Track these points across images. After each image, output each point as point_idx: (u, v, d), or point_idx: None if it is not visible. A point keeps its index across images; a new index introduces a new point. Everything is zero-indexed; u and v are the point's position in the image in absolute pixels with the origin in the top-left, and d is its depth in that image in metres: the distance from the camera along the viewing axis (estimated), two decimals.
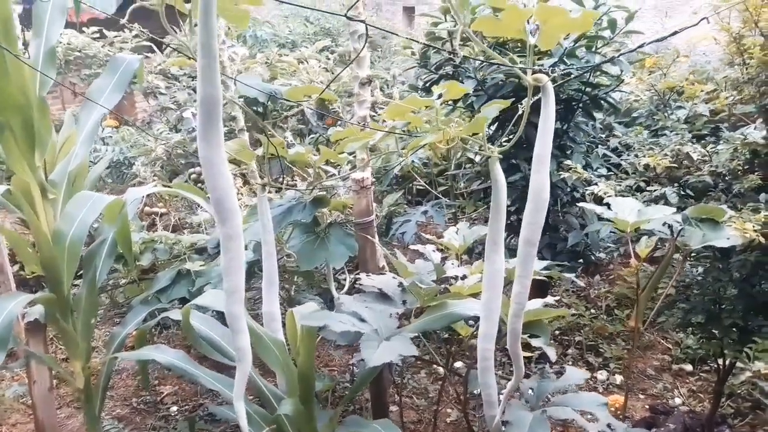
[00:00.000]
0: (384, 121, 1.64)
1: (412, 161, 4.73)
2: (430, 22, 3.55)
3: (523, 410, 1.66)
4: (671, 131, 2.55)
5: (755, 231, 1.92)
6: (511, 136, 3.72)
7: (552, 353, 1.74)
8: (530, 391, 1.77)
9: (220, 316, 2.36)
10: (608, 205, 2.09)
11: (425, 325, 1.86)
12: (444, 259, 2.31)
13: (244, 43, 7.69)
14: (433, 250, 2.28)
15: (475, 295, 1.92)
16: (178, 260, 2.84)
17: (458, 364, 3.91)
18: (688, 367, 3.99)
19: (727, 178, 2.55)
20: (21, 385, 3.53)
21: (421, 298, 1.94)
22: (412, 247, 2.37)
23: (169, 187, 2.79)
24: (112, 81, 2.62)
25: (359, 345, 2.53)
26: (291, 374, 1.91)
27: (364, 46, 2.06)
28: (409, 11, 9.46)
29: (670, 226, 1.93)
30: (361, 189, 2.47)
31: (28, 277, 2.74)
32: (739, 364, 3.34)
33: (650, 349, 4.24)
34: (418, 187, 5.39)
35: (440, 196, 4.51)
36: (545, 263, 2.24)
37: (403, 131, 1.60)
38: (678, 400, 3.65)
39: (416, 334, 1.89)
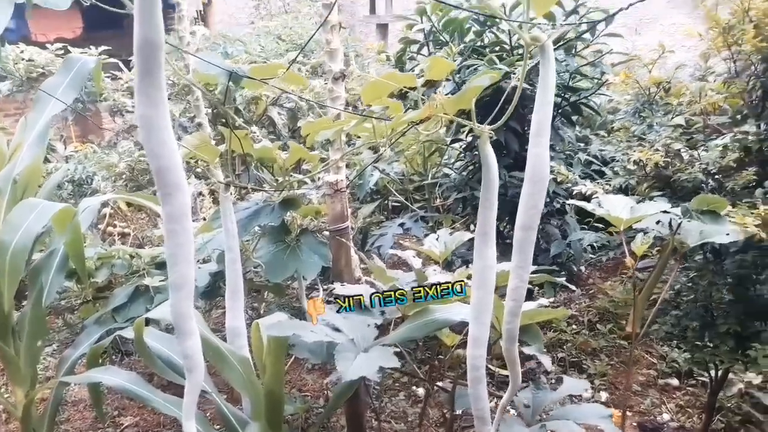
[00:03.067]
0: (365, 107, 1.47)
1: (387, 174, 4.59)
2: (406, 25, 3.44)
3: (519, 426, 1.49)
4: (660, 126, 2.44)
5: (756, 226, 1.80)
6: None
7: (548, 362, 1.58)
8: (525, 405, 1.60)
9: None
10: (598, 203, 1.95)
11: (407, 333, 1.68)
12: (425, 266, 2.14)
13: None
14: (414, 256, 2.11)
15: (462, 301, 1.75)
16: (136, 276, 2.62)
17: (440, 384, 3.73)
18: (675, 382, 3.86)
19: (716, 176, 2.45)
20: None
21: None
22: (390, 251, 2.19)
23: (127, 196, 2.59)
24: (66, 80, 2.43)
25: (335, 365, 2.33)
26: (257, 394, 1.71)
27: (326, 16, 1.90)
28: (382, 28, 9.40)
29: (669, 222, 1.79)
30: (336, 192, 2.30)
31: None
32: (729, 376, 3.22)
33: (635, 363, 4.10)
34: (393, 203, 5.25)
35: (416, 210, 4.36)
36: (532, 267, 2.08)
37: (382, 117, 1.44)
38: (666, 416, 3.50)
39: (397, 346, 1.71)
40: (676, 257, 1.98)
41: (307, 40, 1.69)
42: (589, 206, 1.93)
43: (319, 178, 2.22)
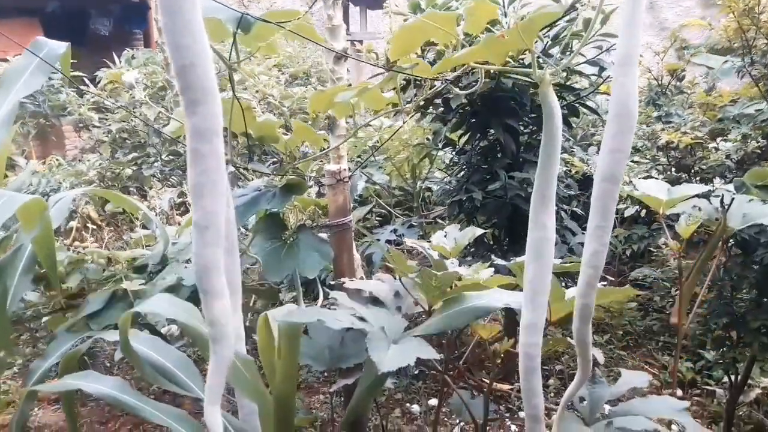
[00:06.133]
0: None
1: (374, 182, 4.41)
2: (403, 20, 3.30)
3: (578, 424, 1.29)
4: (684, 112, 2.33)
5: None
6: (484, 143, 3.47)
7: (599, 355, 1.39)
8: (581, 401, 1.41)
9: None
10: (634, 186, 1.79)
11: (442, 322, 1.47)
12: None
13: None
14: (428, 248, 1.92)
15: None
16: (112, 281, 2.35)
17: (432, 401, 3.53)
18: (678, 392, 3.72)
19: (734, 166, 2.34)
20: None
21: (431, 292, 1.55)
22: (408, 242, 1.99)
23: (103, 191, 2.34)
24: (33, 63, 2.19)
25: (335, 371, 2.09)
26: (265, 401, 1.48)
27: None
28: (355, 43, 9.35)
29: (721, 200, 1.64)
30: (338, 183, 2.10)
31: None
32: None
33: None
34: (377, 217, 5.07)
35: (399, 216, 4.19)
36: (558, 261, 1.90)
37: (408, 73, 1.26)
38: (675, 428, 3.35)
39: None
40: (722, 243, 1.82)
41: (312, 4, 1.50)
42: (625, 189, 1.76)
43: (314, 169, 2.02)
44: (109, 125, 5.92)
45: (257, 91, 3.98)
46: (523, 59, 3.03)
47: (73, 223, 4.49)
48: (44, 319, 2.62)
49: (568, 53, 3.34)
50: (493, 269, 1.67)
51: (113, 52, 7.65)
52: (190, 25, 0.75)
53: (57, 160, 5.56)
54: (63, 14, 10.16)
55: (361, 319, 1.42)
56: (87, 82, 6.18)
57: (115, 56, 7.54)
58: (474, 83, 2.51)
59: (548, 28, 3.16)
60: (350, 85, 1.99)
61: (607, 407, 1.51)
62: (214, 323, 0.91)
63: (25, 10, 9.70)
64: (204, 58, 0.79)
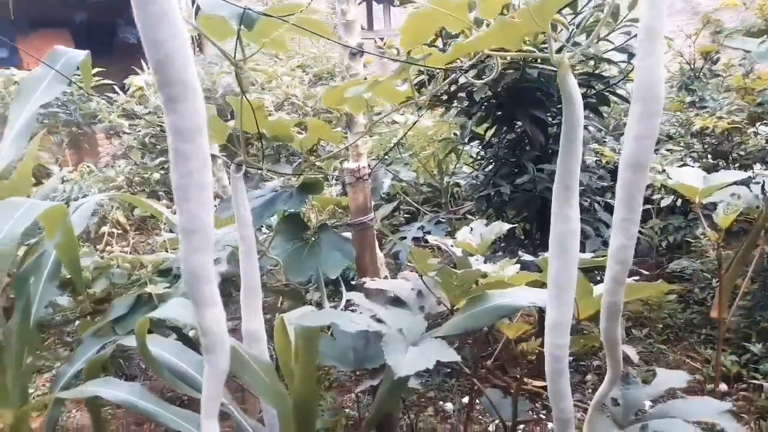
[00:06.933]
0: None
1: (400, 180, 4.36)
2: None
3: (611, 428, 1.22)
4: (719, 96, 2.21)
5: None
6: (511, 135, 3.38)
7: (632, 353, 1.32)
8: (614, 403, 1.34)
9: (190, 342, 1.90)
10: (668, 175, 1.70)
11: (465, 322, 1.41)
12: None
13: None
14: (451, 246, 1.86)
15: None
16: (138, 285, 2.36)
17: (466, 399, 3.47)
18: (723, 387, 3.58)
19: None
20: None
21: (453, 291, 1.50)
22: (431, 239, 1.94)
23: (125, 196, 2.34)
24: (51, 72, 2.20)
25: (363, 371, 2.05)
26: (284, 404, 1.44)
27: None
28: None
29: (762, 186, 1.54)
30: (357, 181, 2.06)
31: None
32: None
33: (676, 369, 3.82)
34: (404, 215, 5.01)
35: (427, 213, 4.13)
36: (589, 255, 1.81)
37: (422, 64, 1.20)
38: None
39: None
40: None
41: None
42: (659, 177, 1.68)
43: (338, 166, 1.97)
44: (139, 131, 6.00)
45: (267, 86, 3.96)
46: (545, 48, 2.93)
47: (105, 229, 4.56)
48: (76, 323, 2.64)
49: (595, 41, 3.23)
50: (519, 266, 1.60)
51: (141, 59, 7.76)
52: (166, 15, 0.70)
53: (88, 167, 5.65)
54: (92, 24, 10.38)
55: (379, 320, 1.38)
56: (117, 89, 6.28)
57: (144, 63, 7.65)
58: (497, 75, 2.44)
59: (573, 15, 3.07)
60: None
61: (647, 405, 1.44)
62: (207, 333, 0.86)
63: (55, 22, 9.94)
64: (182, 51, 0.74)
